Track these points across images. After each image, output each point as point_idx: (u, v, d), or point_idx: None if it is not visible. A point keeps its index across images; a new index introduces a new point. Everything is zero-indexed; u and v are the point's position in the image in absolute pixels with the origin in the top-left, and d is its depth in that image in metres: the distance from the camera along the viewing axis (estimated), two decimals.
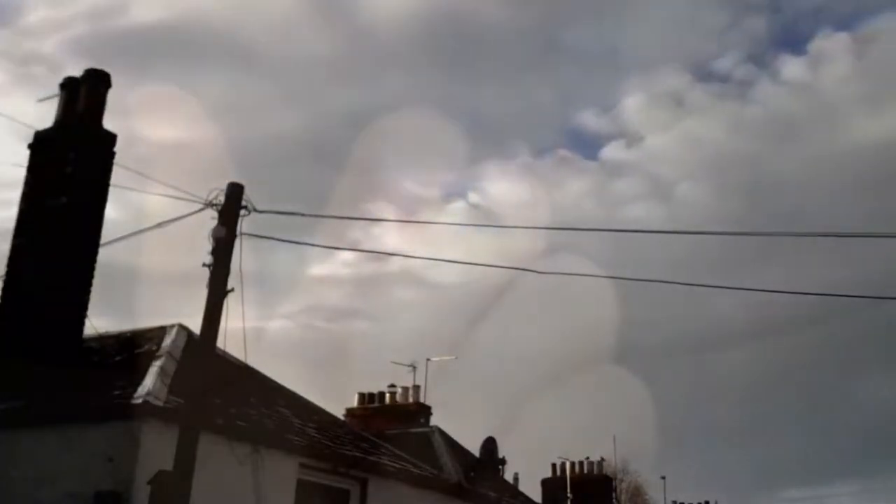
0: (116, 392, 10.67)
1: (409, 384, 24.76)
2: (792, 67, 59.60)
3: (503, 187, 53.10)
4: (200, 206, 10.18)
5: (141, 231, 11.16)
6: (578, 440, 32.77)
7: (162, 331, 13.02)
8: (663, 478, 34.81)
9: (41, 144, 13.19)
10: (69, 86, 13.33)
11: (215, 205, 10.07)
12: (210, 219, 10.06)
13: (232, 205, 10.07)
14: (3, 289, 12.62)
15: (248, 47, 50.26)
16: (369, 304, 52.71)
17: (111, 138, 13.11)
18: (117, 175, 12.92)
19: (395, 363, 25.00)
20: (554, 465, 30.98)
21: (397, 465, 14.24)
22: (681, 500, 36.36)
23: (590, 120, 60.85)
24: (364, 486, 13.14)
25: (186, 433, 9.39)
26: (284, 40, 49.38)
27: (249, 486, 11.04)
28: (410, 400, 24.49)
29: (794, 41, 68.43)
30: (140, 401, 10.24)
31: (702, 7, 55.69)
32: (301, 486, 12.09)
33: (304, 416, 13.70)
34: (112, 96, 13.29)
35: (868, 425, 49.66)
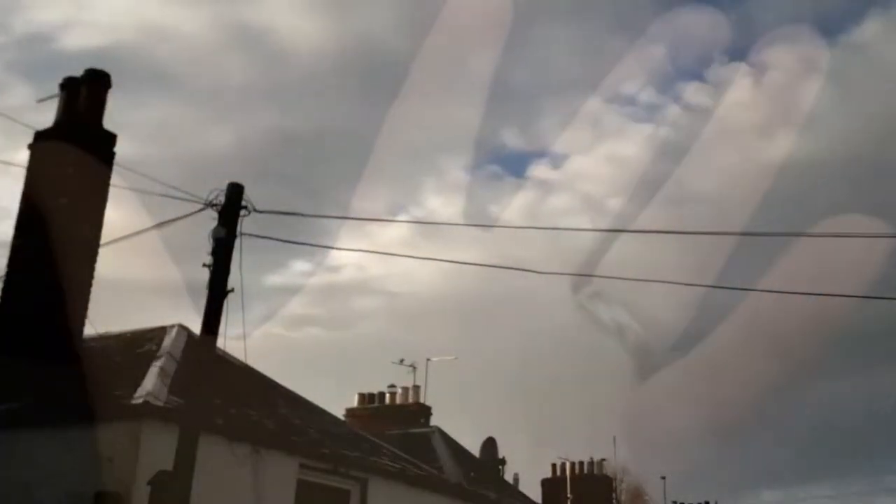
0: (116, 392, 10.67)
1: (409, 384, 24.79)
2: (693, 93, 62.26)
3: (441, 202, 54.69)
4: (200, 206, 10.15)
5: (141, 231, 11.13)
6: (579, 440, 32.71)
7: (162, 331, 13.04)
8: (663, 478, 34.76)
9: (41, 144, 13.18)
10: (69, 86, 13.30)
11: (215, 205, 10.04)
12: (210, 219, 10.05)
13: (232, 205, 10.06)
14: (3, 289, 12.62)
15: (169, 73, 52.71)
16: (326, 312, 54.35)
17: (111, 138, 13.09)
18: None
19: (395, 363, 24.99)
20: (554, 465, 31.00)
21: (397, 466, 14.24)
22: (681, 500, 36.31)
23: (511, 139, 62.88)
24: (364, 486, 13.14)
25: (186, 433, 9.37)
26: (203, 67, 51.38)
27: (249, 486, 11.04)
28: (410, 400, 24.49)
29: (693, 68, 70.32)
30: (140, 401, 10.25)
31: (601, 34, 57.37)
32: (301, 486, 12.09)
33: (304, 417, 13.70)
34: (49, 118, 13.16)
35: (837, 428, 50.05)
